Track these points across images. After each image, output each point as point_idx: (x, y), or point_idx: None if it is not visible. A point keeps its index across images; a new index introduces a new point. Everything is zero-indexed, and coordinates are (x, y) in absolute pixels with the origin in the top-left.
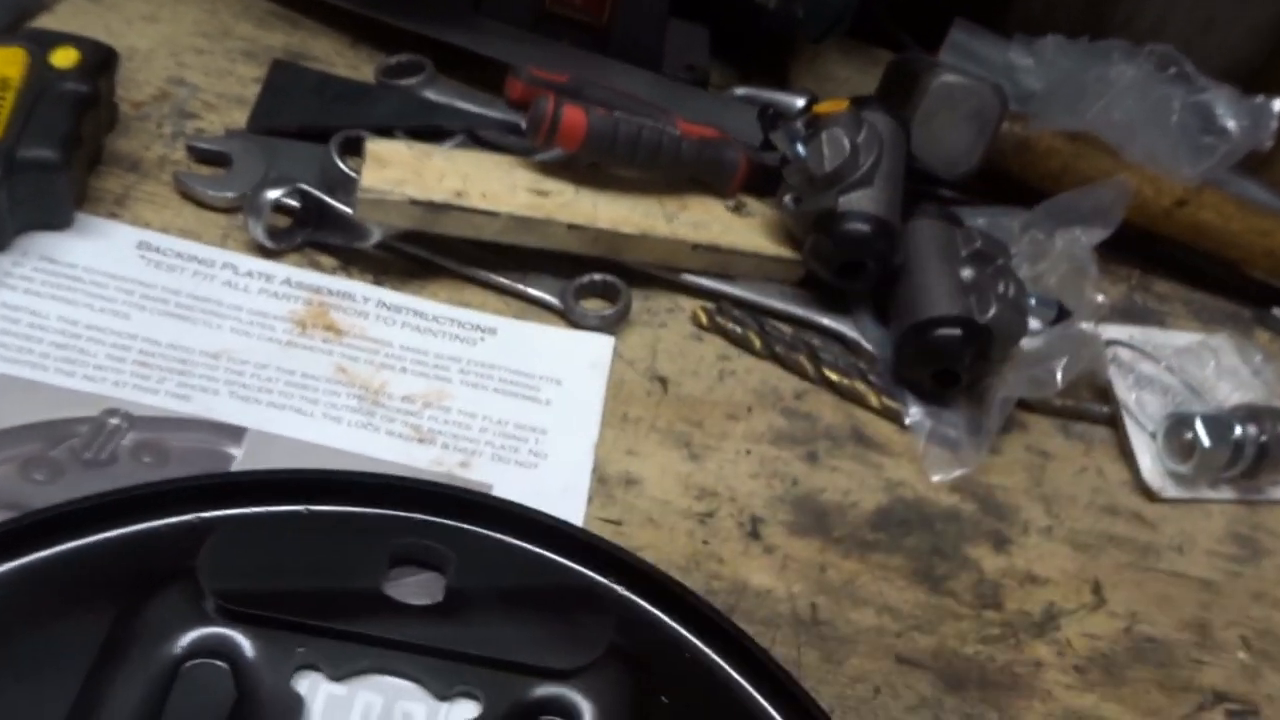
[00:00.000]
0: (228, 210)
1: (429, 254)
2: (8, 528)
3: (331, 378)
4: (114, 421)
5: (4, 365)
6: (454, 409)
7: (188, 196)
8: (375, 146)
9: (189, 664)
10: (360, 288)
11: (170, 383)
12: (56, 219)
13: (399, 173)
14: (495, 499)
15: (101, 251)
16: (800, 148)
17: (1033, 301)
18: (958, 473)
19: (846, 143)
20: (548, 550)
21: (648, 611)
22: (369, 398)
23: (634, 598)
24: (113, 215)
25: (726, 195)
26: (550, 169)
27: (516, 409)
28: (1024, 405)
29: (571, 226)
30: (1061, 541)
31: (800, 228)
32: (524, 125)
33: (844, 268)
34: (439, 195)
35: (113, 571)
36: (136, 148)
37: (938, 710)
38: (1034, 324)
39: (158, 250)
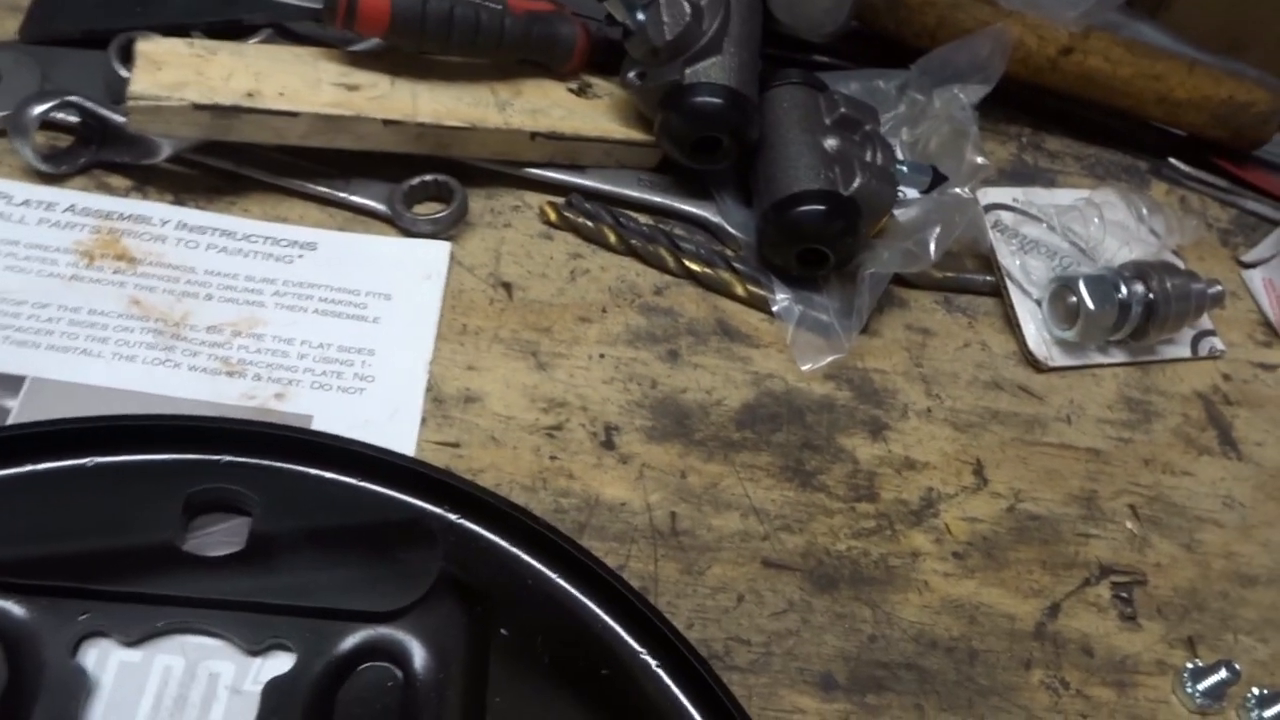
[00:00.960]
0: None
1: (234, 166)
2: None
3: (124, 312)
4: None
5: None
6: (268, 336)
7: None
8: (147, 46)
9: None
10: (158, 209)
11: None
12: None
13: (177, 74)
14: (302, 431)
15: None
16: (639, 14)
17: (904, 169)
18: (830, 359)
19: (687, 6)
20: (367, 482)
21: (483, 538)
22: (168, 331)
23: (468, 525)
24: None
25: (566, 76)
26: (362, 60)
27: (340, 330)
28: (903, 282)
29: (388, 122)
30: (942, 423)
31: (648, 106)
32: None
33: (698, 146)
34: (226, 97)
35: None
36: None
37: (805, 613)
38: (908, 193)
39: None
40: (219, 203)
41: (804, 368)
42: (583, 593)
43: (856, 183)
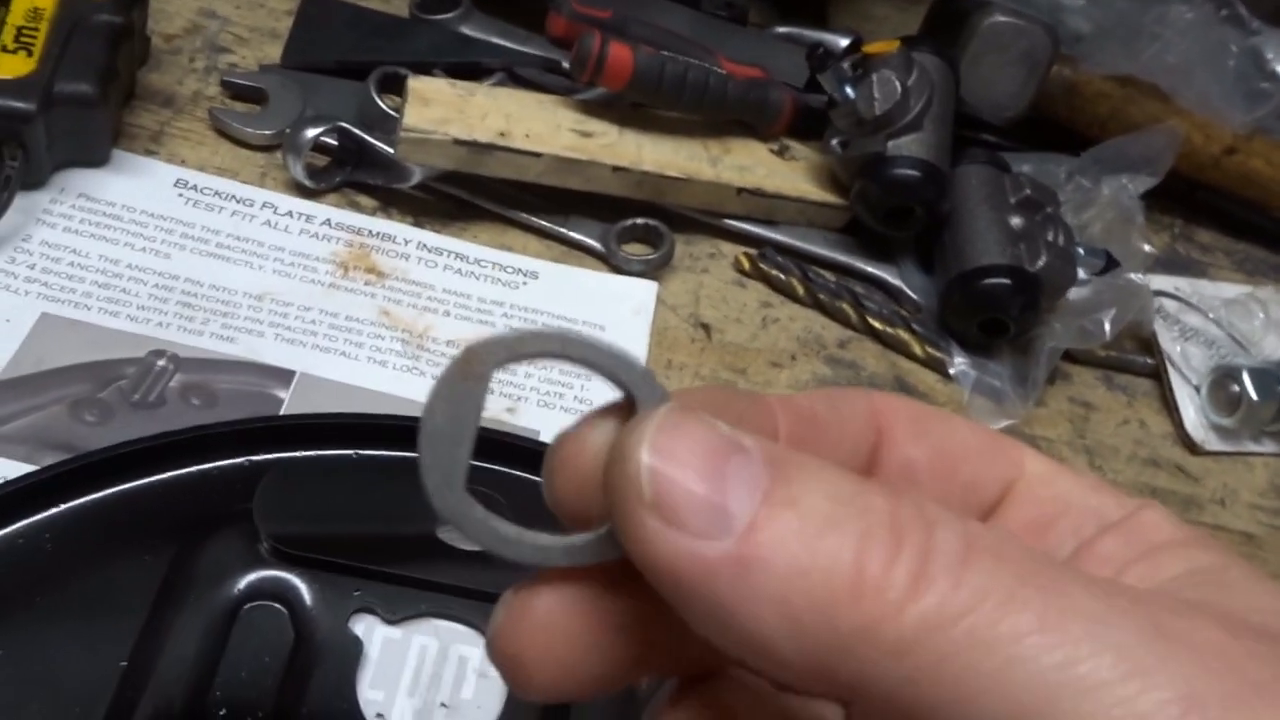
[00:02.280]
0: (265, 148)
1: (469, 195)
2: (65, 468)
3: (376, 320)
4: (161, 363)
5: (48, 305)
6: None
7: (224, 134)
8: (418, 84)
9: (247, 607)
10: (401, 229)
11: (215, 324)
12: (94, 155)
13: (442, 111)
14: (544, 444)
15: (140, 189)
16: (849, 89)
17: (1081, 251)
18: (1003, 424)
19: (898, 85)
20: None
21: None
22: (413, 341)
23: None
24: (149, 152)
25: (770, 138)
26: (593, 109)
27: None
28: (1067, 356)
29: (616, 169)
30: None
31: (846, 172)
32: (568, 63)
33: (890, 214)
34: (483, 135)
35: (168, 514)
36: (170, 83)
37: None
38: (1082, 274)
39: (196, 189)
40: (452, 227)
41: None
42: None
43: (1041, 261)
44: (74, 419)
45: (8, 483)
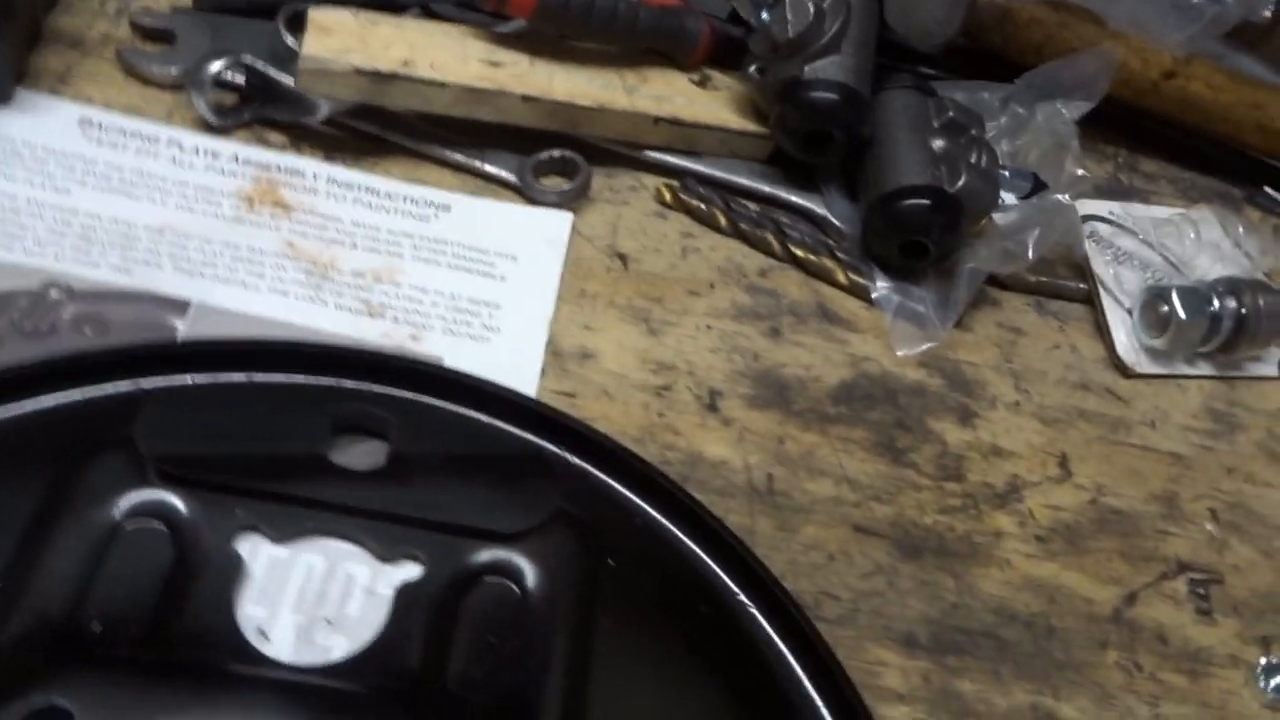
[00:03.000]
0: (173, 88)
1: (380, 130)
2: None
3: (279, 252)
4: (54, 294)
5: None
6: (405, 284)
7: (132, 73)
8: (319, 14)
9: (128, 527)
10: (310, 164)
11: (112, 256)
12: None
13: (343, 41)
14: (441, 367)
15: (42, 127)
16: (764, 13)
17: (1007, 174)
18: (924, 347)
19: (811, 7)
20: (496, 419)
21: (597, 478)
22: (318, 272)
23: (584, 464)
24: (54, 92)
25: (689, 68)
26: (505, 40)
27: (470, 284)
28: (997, 283)
29: (526, 98)
30: (1029, 416)
31: (766, 99)
32: None
33: (810, 139)
34: (385, 64)
35: (52, 437)
36: (79, 25)
37: (892, 576)
38: (1009, 198)
39: (100, 127)
40: (364, 163)
41: (899, 353)
42: (686, 534)
43: (961, 181)
44: None
45: None
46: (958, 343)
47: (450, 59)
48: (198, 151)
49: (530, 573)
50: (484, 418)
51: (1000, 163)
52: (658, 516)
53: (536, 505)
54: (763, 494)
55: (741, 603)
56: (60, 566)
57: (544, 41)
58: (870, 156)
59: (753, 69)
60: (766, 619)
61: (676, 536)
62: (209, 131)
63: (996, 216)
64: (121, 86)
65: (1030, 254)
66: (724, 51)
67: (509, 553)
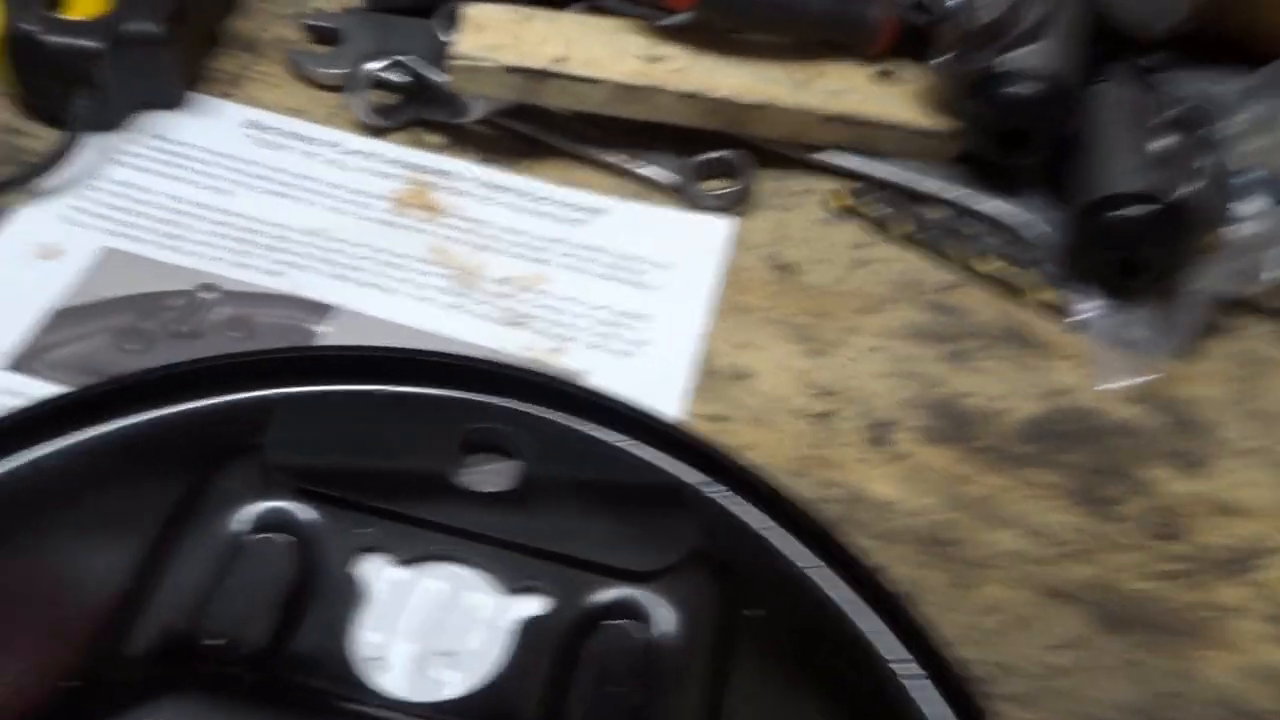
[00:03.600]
0: (337, 88)
1: (536, 130)
2: (75, 397)
3: (425, 257)
4: (206, 295)
5: (111, 239)
6: (551, 293)
7: (299, 76)
8: (474, 10)
9: (252, 537)
10: (465, 166)
11: (265, 259)
12: (166, 97)
13: (496, 37)
14: (581, 385)
15: (211, 130)
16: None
17: (1245, 180)
18: (1138, 380)
19: None
20: (634, 442)
21: (742, 517)
22: (462, 278)
23: (730, 501)
24: (226, 95)
25: (869, 60)
26: (668, 34)
27: (619, 294)
28: (1239, 305)
29: (684, 95)
30: (1270, 467)
31: (955, 93)
32: None
33: (1006, 138)
34: (537, 61)
35: (184, 443)
36: (254, 29)
37: (1090, 651)
38: (1248, 208)
39: (265, 129)
40: (519, 164)
41: (1106, 386)
42: (839, 586)
43: (1185, 188)
44: (116, 348)
45: (31, 406)
46: (1180, 376)
47: (606, 55)
48: (355, 153)
49: (661, 617)
50: (624, 442)
51: (1234, 167)
52: (809, 566)
53: (673, 543)
54: (935, 543)
55: (900, 671)
56: (184, 576)
57: (709, 35)
58: (1077, 159)
59: (940, 59)
60: (931, 692)
61: (827, 588)
62: (368, 133)
63: (1231, 230)
64: (289, 89)
65: (1268, 275)
66: (909, 41)
67: (640, 593)
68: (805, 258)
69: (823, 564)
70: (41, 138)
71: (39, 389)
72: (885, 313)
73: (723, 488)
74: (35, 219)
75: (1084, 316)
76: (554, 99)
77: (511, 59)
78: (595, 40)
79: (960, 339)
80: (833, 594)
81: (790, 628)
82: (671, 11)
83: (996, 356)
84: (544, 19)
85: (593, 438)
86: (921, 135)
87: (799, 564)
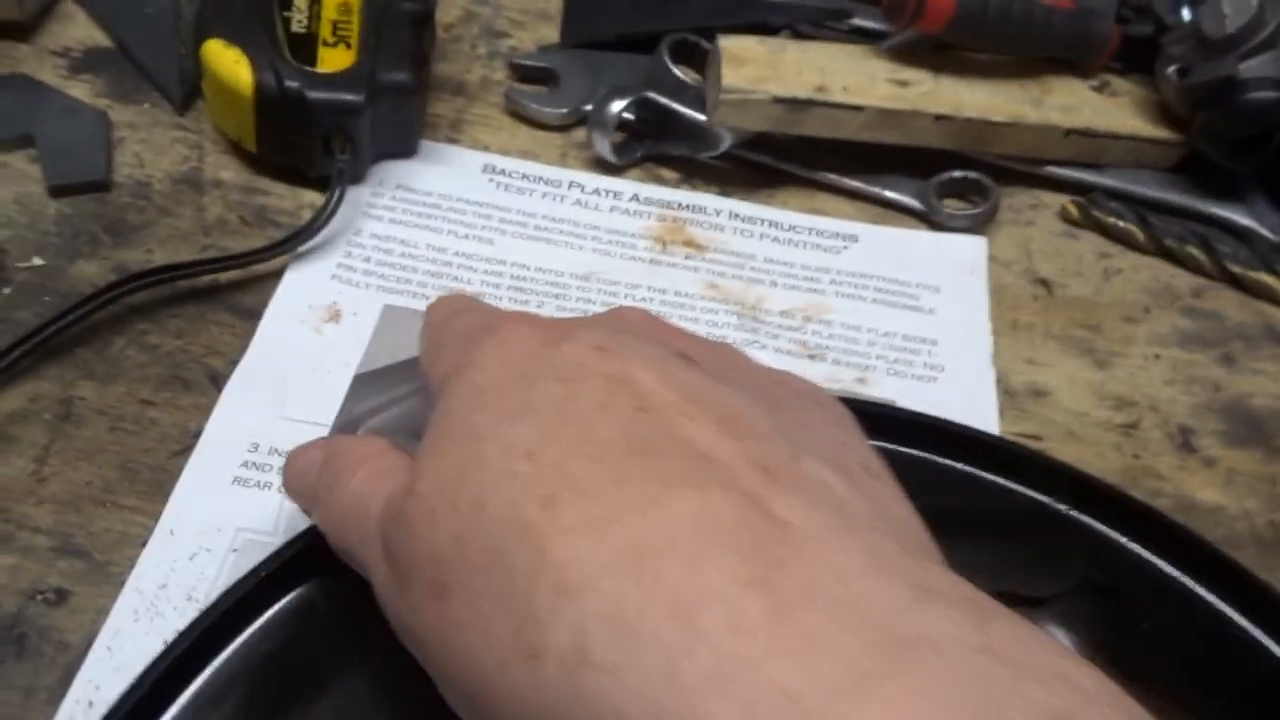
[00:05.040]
0: (560, 128)
1: (772, 160)
2: None
3: (704, 295)
4: None
5: (388, 296)
6: (835, 322)
7: (519, 116)
8: (730, 44)
9: None
10: (709, 200)
11: (549, 306)
12: (406, 146)
13: (758, 70)
14: (926, 415)
15: (450, 176)
16: (1185, 10)
17: None
18: None
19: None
20: (986, 471)
21: (1110, 535)
22: (747, 314)
23: (1096, 520)
24: (451, 140)
25: (1091, 73)
26: (905, 57)
27: (900, 320)
28: None
29: (938, 117)
30: None
31: (1185, 103)
32: (883, 6)
33: (1239, 145)
34: (801, 91)
35: None
36: (458, 70)
37: None
38: None
39: (503, 173)
40: (760, 195)
41: None
42: (1220, 598)
43: None
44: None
45: None
46: None
47: (860, 81)
48: (600, 193)
49: (1064, 642)
50: (978, 470)
51: None
52: (1185, 579)
53: (1061, 567)
54: (1272, 544)
55: None
56: None
57: (943, 56)
58: None
59: (1170, 70)
60: None
61: (1206, 600)
62: (604, 171)
63: None
64: (512, 130)
65: None
66: (1121, 53)
67: (1038, 620)
68: (1058, 271)
69: (1198, 579)
70: (283, 196)
71: None
72: (1149, 321)
73: (1088, 511)
74: (308, 281)
75: None
76: (813, 128)
77: (778, 90)
78: (846, 68)
79: (1226, 342)
80: (1211, 607)
81: (1180, 643)
82: (922, 33)
83: (1264, 357)
84: (795, 49)
85: (951, 467)
86: (1148, 144)
87: (1175, 581)
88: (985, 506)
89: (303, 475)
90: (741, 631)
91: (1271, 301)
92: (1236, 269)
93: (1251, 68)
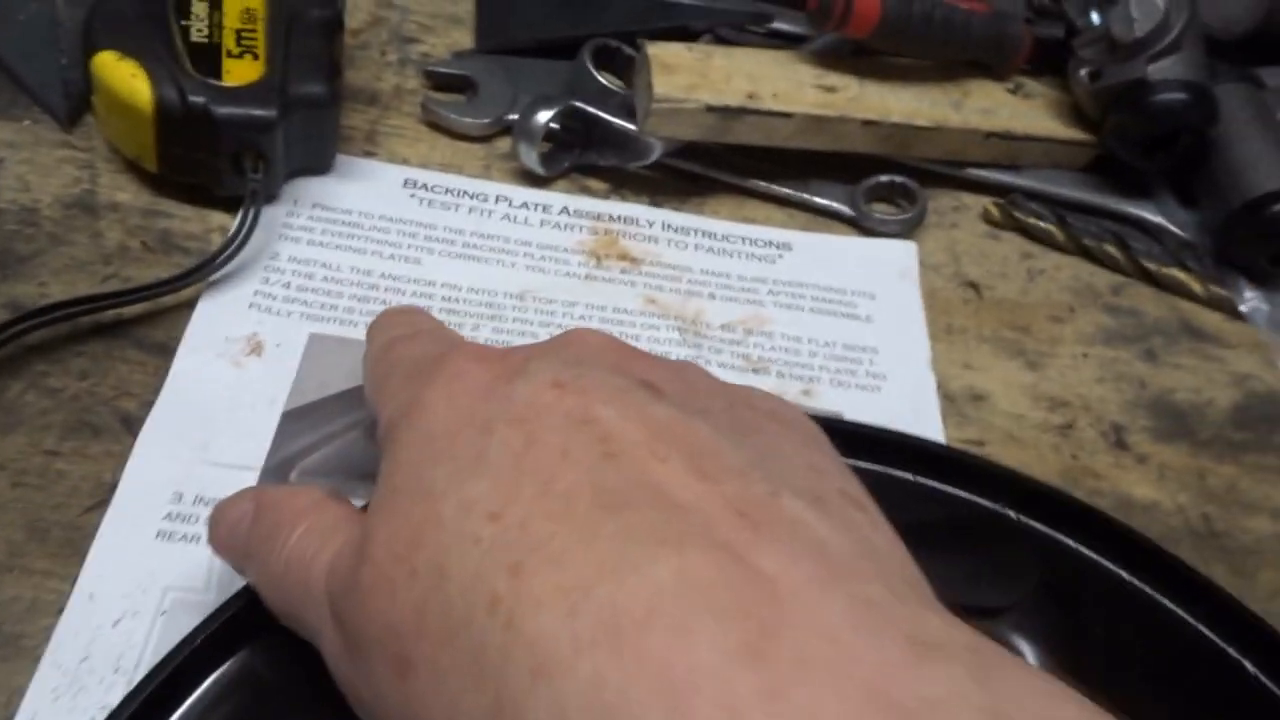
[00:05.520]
0: (482, 139)
1: (702, 168)
2: None
3: (644, 310)
4: None
5: (313, 325)
6: (776, 333)
7: (437, 127)
8: (658, 50)
9: None
10: (641, 211)
11: (485, 328)
12: (321, 161)
13: (688, 78)
14: (889, 430)
15: (370, 193)
16: (1094, 14)
17: None
18: None
19: (1161, 3)
20: (931, 479)
21: (1067, 543)
22: (689, 328)
23: (1041, 524)
24: (367, 154)
25: (1004, 76)
26: (830, 62)
27: (839, 328)
28: None
29: (866, 123)
30: None
31: (1096, 105)
32: (808, 10)
33: (1149, 145)
34: (733, 99)
35: None
36: (368, 79)
37: None
38: None
39: (425, 187)
40: (690, 204)
41: None
42: (1164, 593)
43: None
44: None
45: None
46: None
47: (789, 87)
48: (529, 206)
49: (1024, 651)
50: (932, 482)
51: None
52: (1125, 574)
53: (1018, 575)
54: (1205, 536)
55: (1237, 660)
56: None
57: (865, 61)
58: (1216, 158)
59: (1082, 73)
60: (1271, 677)
61: (1150, 595)
62: (531, 183)
63: None
64: (431, 142)
65: None
66: (1036, 57)
67: (997, 629)
68: (985, 273)
69: (1144, 578)
70: (189, 218)
71: None
72: (1074, 320)
73: (1033, 515)
74: (224, 311)
75: (1248, 306)
76: (744, 135)
77: (709, 98)
78: (773, 74)
79: (1147, 338)
80: (1159, 604)
81: (1137, 645)
82: (846, 37)
83: (1182, 351)
84: (721, 55)
85: (897, 479)
86: (1062, 145)
87: (1118, 577)
88: (939, 518)
89: (233, 531)
90: (735, 713)
91: (1185, 296)
92: (1151, 265)
93: (1160, 69)
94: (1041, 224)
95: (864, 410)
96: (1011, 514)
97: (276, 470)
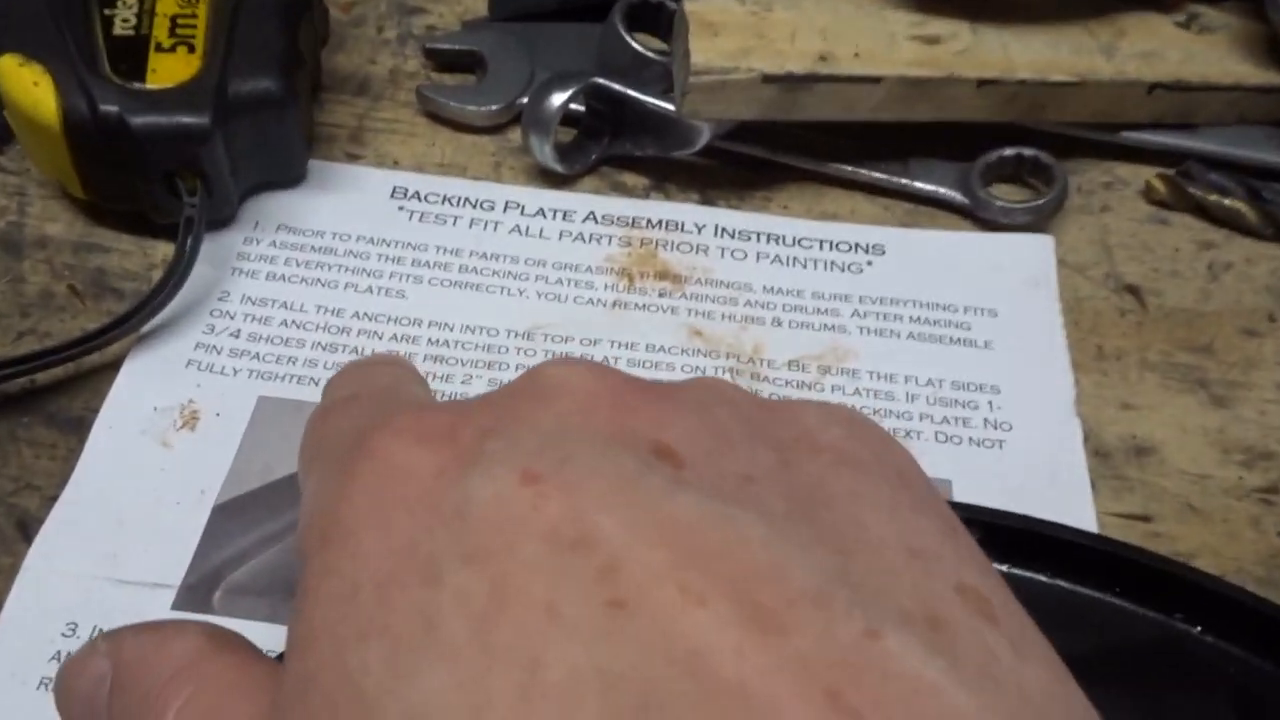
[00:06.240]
0: (493, 129)
1: (767, 152)
2: None
3: (686, 346)
4: None
5: (264, 384)
6: (861, 371)
7: (438, 118)
8: (697, 6)
9: None
10: (689, 212)
11: (481, 379)
12: (288, 171)
13: (738, 40)
14: (1005, 513)
15: (349, 208)
16: None
17: None
18: None
19: None
20: (1089, 588)
21: (1260, 664)
22: (744, 369)
23: (1229, 644)
24: (351, 157)
25: (1175, 4)
26: (929, 4)
27: (947, 360)
28: None
29: (982, 83)
30: None
31: None
32: None
33: None
34: (799, 64)
35: None
36: (360, 63)
37: None
38: None
39: (418, 196)
40: (753, 199)
41: None
42: None
43: None
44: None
45: None
46: None
47: (875, 43)
48: (545, 213)
49: None
50: (1087, 590)
51: None
52: None
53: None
54: None
55: None
56: None
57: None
58: None
59: None
60: None
61: None
62: (550, 183)
63: None
64: (429, 137)
65: None
66: None
67: None
68: (1149, 273)
69: None
70: (128, 252)
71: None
72: (1278, 333)
73: (1231, 635)
74: (154, 373)
75: None
76: (817, 110)
77: (766, 65)
78: (853, 25)
79: None
80: None
81: None
82: None
83: None
84: (783, 6)
85: (1047, 586)
86: (1254, 95)
87: None
88: (1104, 641)
89: (89, 705)
90: None
91: None
92: None
93: None
94: (1226, 201)
95: (983, 475)
96: (1196, 630)
97: (197, 589)
